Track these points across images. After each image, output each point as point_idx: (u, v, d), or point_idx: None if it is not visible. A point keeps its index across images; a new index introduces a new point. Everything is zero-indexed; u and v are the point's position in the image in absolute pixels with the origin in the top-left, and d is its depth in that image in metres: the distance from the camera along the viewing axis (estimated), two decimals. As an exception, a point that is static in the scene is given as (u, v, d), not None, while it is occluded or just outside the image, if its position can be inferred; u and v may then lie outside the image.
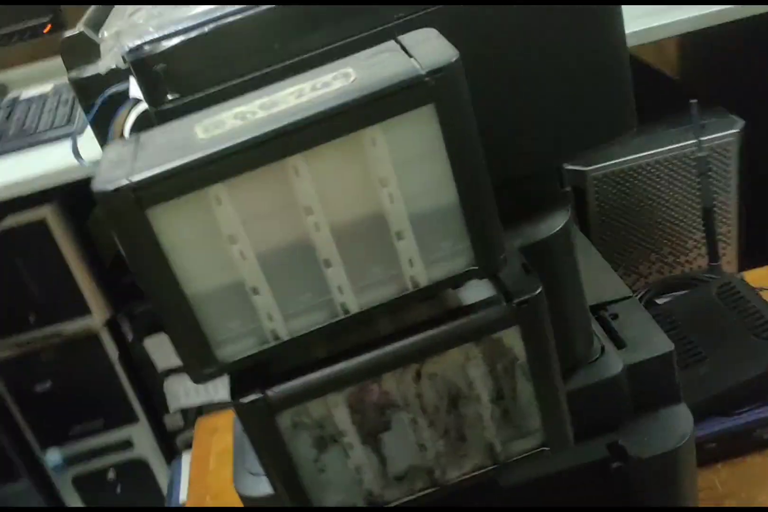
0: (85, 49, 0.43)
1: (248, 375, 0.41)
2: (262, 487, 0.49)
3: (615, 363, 0.52)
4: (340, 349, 0.41)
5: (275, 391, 0.41)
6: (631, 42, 0.44)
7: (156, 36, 0.39)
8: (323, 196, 0.37)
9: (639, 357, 0.52)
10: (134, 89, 0.41)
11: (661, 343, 0.53)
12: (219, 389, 1.29)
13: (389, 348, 0.41)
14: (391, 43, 0.39)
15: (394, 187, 0.37)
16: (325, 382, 0.41)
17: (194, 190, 0.35)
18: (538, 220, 0.47)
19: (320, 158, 0.36)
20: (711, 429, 0.69)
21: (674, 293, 0.83)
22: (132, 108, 0.41)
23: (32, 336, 1.28)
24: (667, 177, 0.98)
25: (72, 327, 1.28)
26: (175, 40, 0.39)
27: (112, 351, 1.31)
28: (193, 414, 1.34)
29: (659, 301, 0.80)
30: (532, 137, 0.44)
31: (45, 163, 1.16)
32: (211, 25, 0.39)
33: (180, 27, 0.39)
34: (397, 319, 0.42)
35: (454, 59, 0.35)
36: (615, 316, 0.54)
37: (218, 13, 0.39)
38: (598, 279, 0.56)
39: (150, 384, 1.34)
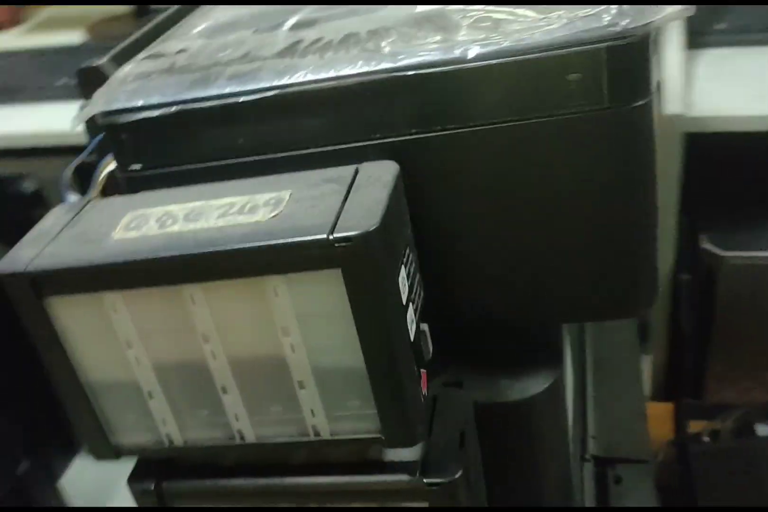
0: (98, 83, 0.41)
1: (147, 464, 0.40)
2: None
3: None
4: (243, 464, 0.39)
5: (170, 488, 0.39)
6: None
7: (127, 105, 0.36)
8: (221, 328, 0.34)
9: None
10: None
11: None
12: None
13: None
14: (350, 170, 0.33)
15: (297, 338, 0.33)
16: (225, 492, 0.39)
17: (89, 292, 0.33)
18: (522, 376, 0.40)
19: (220, 293, 0.33)
20: None
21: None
22: (106, 165, 0.39)
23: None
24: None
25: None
26: (141, 115, 0.36)
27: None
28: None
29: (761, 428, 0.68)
30: (529, 294, 0.37)
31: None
32: (180, 106, 0.35)
33: (151, 100, 0.36)
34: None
35: (372, 229, 0.29)
36: (618, 480, 0.46)
37: (197, 94, 0.35)
38: (627, 427, 0.47)
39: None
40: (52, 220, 0.37)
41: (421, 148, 0.34)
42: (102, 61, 0.42)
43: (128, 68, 0.40)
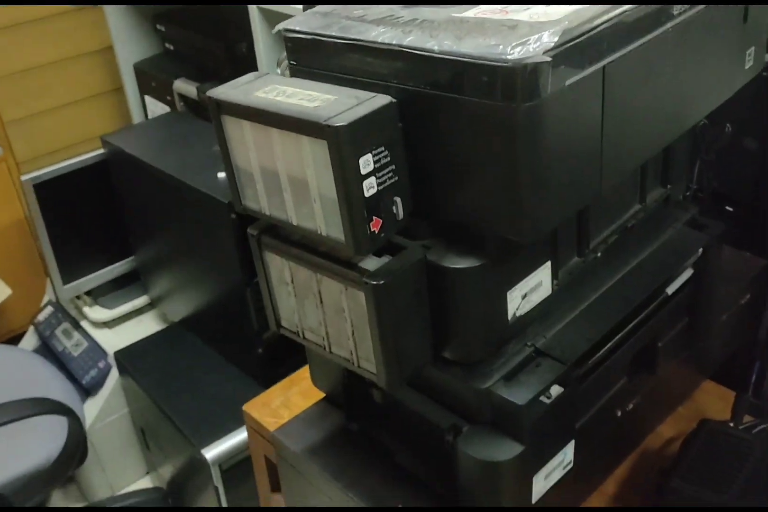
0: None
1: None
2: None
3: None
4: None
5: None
6: None
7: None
8: (284, 156, 0.63)
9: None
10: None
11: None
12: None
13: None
14: (370, 95, 0.59)
15: (312, 172, 0.61)
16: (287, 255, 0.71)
17: (243, 117, 0.65)
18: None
19: (283, 135, 0.62)
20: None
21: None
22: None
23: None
24: None
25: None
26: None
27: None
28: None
29: None
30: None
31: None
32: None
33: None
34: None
35: (340, 124, 0.56)
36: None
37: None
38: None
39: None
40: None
41: (413, 97, 0.59)
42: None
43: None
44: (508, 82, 0.53)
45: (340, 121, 0.56)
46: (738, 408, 0.92)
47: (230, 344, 1.63)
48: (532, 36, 0.53)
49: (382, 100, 0.58)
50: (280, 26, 0.66)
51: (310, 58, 0.65)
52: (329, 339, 0.72)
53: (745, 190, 0.99)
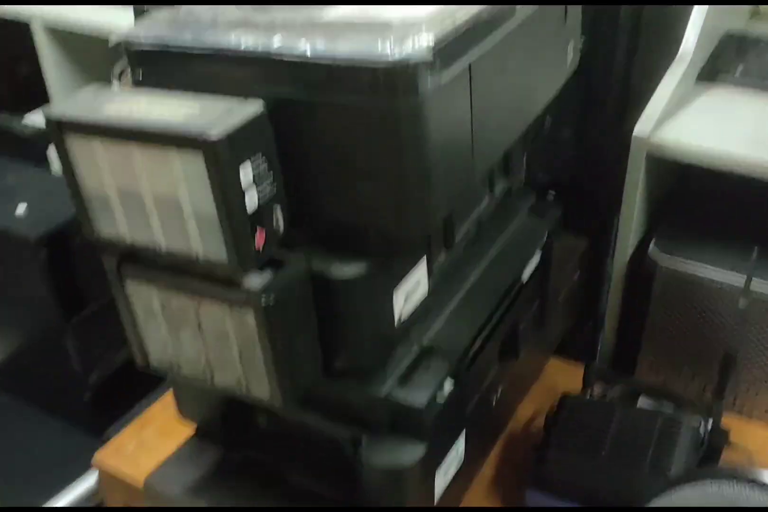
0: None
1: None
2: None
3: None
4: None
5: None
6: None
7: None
8: (148, 176, 0.58)
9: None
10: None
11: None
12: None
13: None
14: (240, 102, 0.56)
15: (185, 192, 0.57)
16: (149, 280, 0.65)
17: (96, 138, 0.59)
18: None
19: (145, 153, 0.57)
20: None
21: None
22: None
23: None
24: None
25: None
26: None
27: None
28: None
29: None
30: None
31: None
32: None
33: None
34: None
35: (214, 138, 0.52)
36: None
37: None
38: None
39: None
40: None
41: (286, 103, 0.56)
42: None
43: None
44: (390, 82, 0.52)
45: (216, 131, 0.53)
46: (588, 377, 0.98)
47: (52, 394, 1.49)
48: (408, 36, 0.53)
49: (254, 106, 0.55)
50: (119, 38, 0.61)
51: (161, 71, 0.61)
52: (211, 369, 0.67)
53: (564, 175, 1.05)
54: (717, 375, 0.85)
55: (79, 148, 0.59)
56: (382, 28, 0.55)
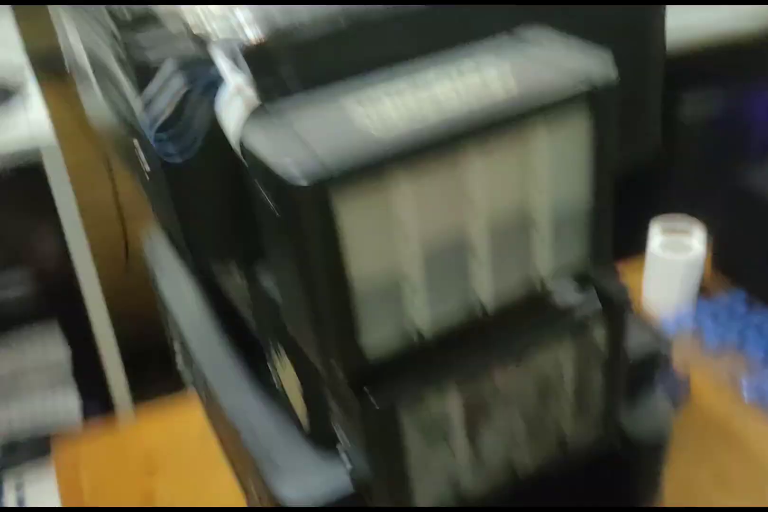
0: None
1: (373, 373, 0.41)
2: (329, 490, 0.48)
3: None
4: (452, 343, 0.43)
5: (401, 390, 0.41)
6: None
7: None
8: (486, 190, 0.38)
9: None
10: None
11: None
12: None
13: (499, 343, 0.44)
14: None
15: (544, 188, 0.40)
16: (444, 377, 0.42)
17: (379, 179, 0.35)
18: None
19: (488, 155, 0.38)
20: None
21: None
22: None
23: None
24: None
25: None
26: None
27: None
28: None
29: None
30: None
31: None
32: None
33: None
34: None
35: (612, 76, 0.38)
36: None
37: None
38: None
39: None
40: (267, 129, 0.37)
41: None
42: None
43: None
44: None
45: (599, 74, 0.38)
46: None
47: None
48: None
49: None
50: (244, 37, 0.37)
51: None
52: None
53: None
54: None
55: (361, 209, 0.35)
56: None
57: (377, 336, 0.39)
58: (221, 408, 0.56)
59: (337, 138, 0.36)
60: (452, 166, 0.37)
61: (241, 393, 0.56)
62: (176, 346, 0.69)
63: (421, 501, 0.45)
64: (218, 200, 0.41)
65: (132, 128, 0.42)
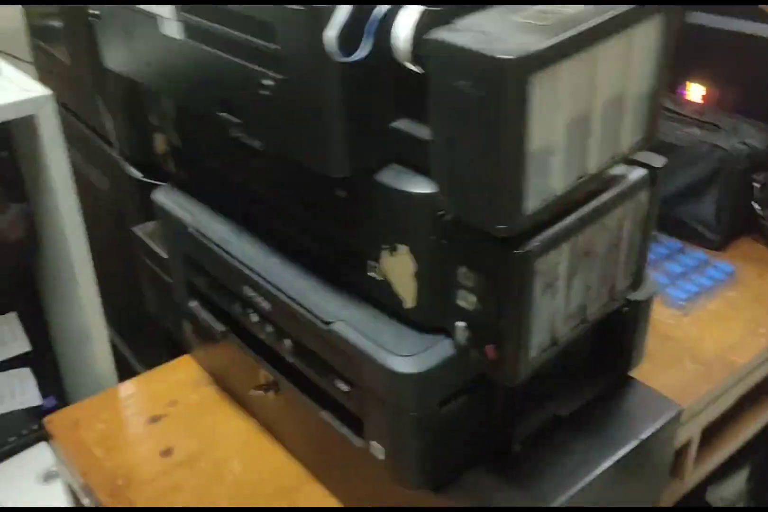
0: None
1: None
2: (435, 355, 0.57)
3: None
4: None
5: (535, 244, 0.51)
6: None
7: None
8: (605, 77, 0.49)
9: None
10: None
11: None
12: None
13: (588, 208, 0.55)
14: None
15: (635, 74, 0.51)
16: (562, 235, 0.53)
17: (559, 61, 0.45)
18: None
19: (611, 49, 0.48)
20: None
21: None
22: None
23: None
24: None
25: None
26: None
27: None
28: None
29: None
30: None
31: None
32: None
33: None
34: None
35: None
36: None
37: None
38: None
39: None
40: (461, 33, 0.44)
41: None
42: None
43: None
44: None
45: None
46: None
47: None
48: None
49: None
50: None
51: None
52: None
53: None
54: None
55: (542, 85, 0.45)
56: None
57: (532, 200, 0.48)
58: (307, 319, 0.63)
59: (513, 31, 0.44)
60: (589, 56, 0.47)
61: (330, 301, 0.64)
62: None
63: (532, 347, 0.55)
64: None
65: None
